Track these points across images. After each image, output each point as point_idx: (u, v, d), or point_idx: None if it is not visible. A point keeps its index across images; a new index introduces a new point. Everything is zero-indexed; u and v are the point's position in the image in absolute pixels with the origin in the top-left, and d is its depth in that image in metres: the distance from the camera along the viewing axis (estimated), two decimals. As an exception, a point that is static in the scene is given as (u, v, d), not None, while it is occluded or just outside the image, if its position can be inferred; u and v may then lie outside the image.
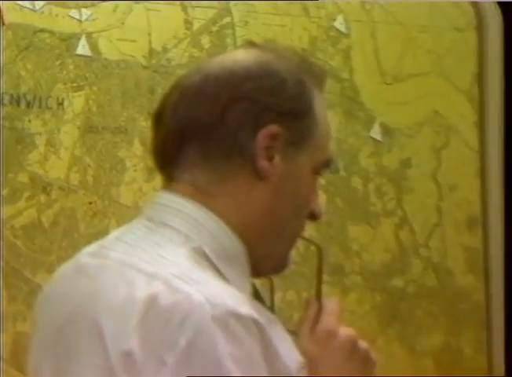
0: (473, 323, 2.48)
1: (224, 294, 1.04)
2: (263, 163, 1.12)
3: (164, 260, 1.07)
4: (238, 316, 1.02)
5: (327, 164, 1.18)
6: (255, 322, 1.03)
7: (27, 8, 2.09)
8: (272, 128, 1.12)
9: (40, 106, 2.10)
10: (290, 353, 1.08)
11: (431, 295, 2.45)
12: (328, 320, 1.16)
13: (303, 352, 1.12)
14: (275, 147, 1.12)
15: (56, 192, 2.11)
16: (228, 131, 1.11)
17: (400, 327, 2.41)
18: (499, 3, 1.51)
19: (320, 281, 1.21)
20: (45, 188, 2.10)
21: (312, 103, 1.15)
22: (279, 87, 1.13)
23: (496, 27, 2.50)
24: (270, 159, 1.12)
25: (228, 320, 1.01)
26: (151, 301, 1.02)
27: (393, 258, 2.43)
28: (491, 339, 2.49)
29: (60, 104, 2.12)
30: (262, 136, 1.11)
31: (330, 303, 1.18)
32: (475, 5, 2.49)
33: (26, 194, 2.09)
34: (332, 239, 2.35)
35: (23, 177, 2.09)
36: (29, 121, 2.09)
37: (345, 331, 1.16)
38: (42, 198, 2.10)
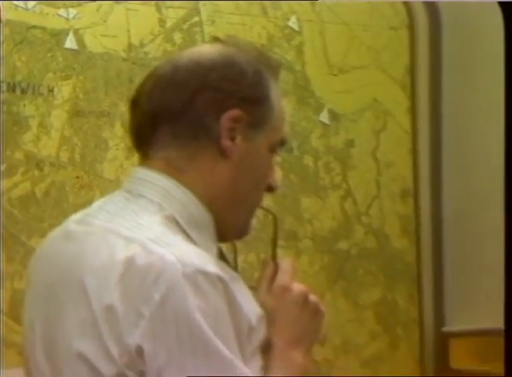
0: (406, 280, 2.50)
1: (193, 254, 1.04)
2: (226, 143, 1.11)
3: (141, 226, 1.06)
4: (205, 274, 1.02)
5: (282, 144, 1.17)
6: (220, 279, 1.03)
7: (21, 7, 2.07)
8: (234, 112, 1.11)
9: (33, 93, 2.08)
10: (250, 306, 1.08)
11: (371, 256, 2.46)
12: (283, 278, 1.16)
13: (262, 305, 1.12)
14: (237, 129, 1.11)
15: (47, 167, 2.10)
16: (195, 115, 1.10)
17: (344, 285, 2.42)
18: (499, 3, 1.45)
19: (275, 245, 1.21)
20: (38, 164, 2.09)
21: (268, 91, 1.14)
22: (240, 77, 1.12)
23: (424, 25, 2.51)
24: (232, 139, 1.11)
25: (196, 277, 1.01)
26: (130, 262, 1.02)
27: (339, 225, 2.43)
28: (421, 293, 2.51)
29: (51, 91, 2.10)
30: (226, 119, 1.11)
31: (285, 263, 1.18)
32: (407, 5, 2.50)
33: (21, 169, 2.08)
34: (287, 209, 2.35)
35: (19, 155, 2.07)
36: (24, 105, 2.08)
37: (297, 287, 1.16)
38: (36, 173, 2.09)
